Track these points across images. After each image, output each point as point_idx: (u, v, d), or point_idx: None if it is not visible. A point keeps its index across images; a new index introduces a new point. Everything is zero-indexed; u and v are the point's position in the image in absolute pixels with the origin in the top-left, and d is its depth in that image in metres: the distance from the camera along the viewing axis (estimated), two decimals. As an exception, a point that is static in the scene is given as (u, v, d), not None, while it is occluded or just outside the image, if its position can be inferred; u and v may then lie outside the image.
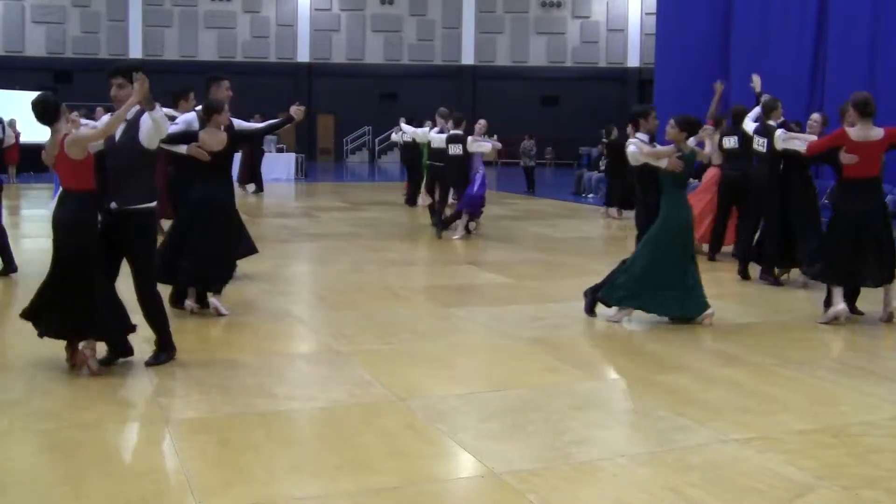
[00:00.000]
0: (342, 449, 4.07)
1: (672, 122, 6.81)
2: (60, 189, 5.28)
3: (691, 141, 6.89)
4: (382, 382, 5.10)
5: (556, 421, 4.48)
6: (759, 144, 8.73)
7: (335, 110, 33.76)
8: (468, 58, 31.80)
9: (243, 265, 8.20)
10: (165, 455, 4.02)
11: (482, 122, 12.33)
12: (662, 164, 6.64)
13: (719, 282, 9.03)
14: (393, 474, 3.77)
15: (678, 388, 5.12)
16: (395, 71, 30.94)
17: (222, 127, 6.64)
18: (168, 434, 4.22)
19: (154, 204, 5.36)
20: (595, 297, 6.98)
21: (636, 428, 4.49)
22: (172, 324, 5.59)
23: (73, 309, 5.08)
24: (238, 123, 6.98)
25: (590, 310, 7.00)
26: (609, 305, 6.89)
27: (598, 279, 7.16)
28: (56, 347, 5.91)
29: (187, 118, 6.81)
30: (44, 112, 5.11)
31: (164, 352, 5.43)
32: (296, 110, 7.09)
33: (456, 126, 12.12)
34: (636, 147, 6.80)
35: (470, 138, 11.97)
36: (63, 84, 26.18)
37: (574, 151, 32.63)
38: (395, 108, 29.67)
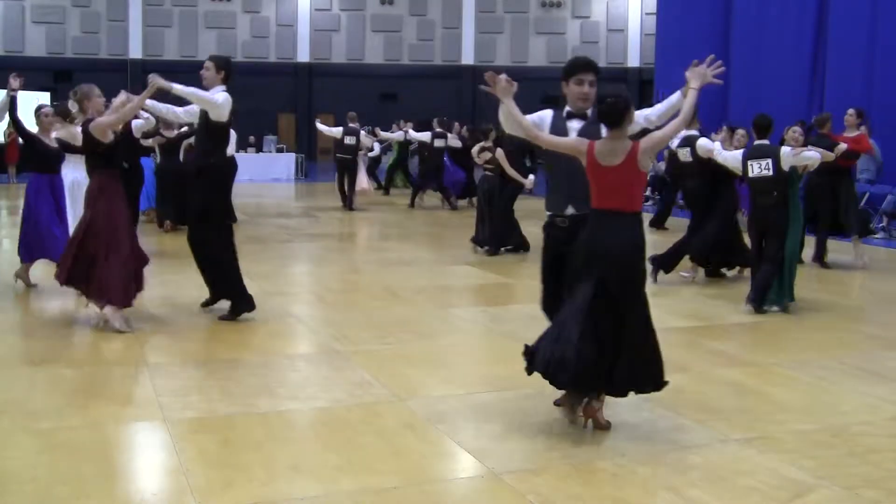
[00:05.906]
0: (342, 449, 4.06)
1: None
2: (596, 211, 4.23)
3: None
4: (382, 382, 5.10)
5: (556, 421, 4.48)
6: None
7: (335, 110, 33.63)
8: (468, 58, 31.76)
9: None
10: (165, 455, 4.02)
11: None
12: None
13: (719, 282, 9.02)
14: (393, 474, 3.77)
15: (678, 388, 5.11)
16: (395, 71, 30.91)
17: None
18: (168, 434, 4.21)
19: None
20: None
21: (636, 428, 4.49)
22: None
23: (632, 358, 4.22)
24: None
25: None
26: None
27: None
28: (55, 347, 5.91)
29: None
30: (612, 112, 4.25)
31: None
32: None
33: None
34: None
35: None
36: (63, 84, 26.09)
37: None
38: (396, 108, 29.66)
